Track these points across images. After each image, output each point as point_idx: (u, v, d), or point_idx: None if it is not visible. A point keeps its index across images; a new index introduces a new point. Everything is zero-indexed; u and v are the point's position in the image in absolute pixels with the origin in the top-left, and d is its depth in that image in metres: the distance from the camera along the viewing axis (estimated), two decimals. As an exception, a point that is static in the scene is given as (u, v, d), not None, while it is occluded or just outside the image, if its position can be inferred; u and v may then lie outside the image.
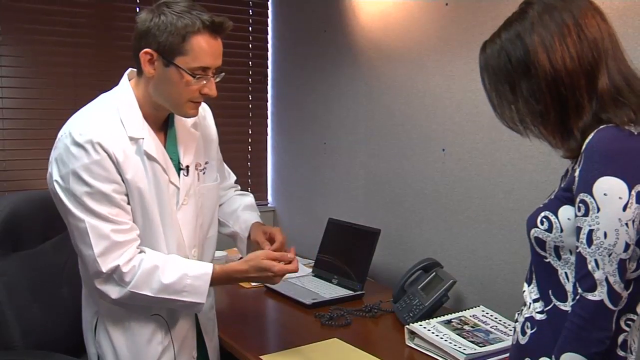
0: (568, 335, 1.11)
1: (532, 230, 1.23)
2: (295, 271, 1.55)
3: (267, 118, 3.37)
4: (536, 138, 1.25)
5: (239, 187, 1.95)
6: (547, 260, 1.21)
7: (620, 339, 1.15)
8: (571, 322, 1.11)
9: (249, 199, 1.88)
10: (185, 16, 1.40)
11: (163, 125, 1.59)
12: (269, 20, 3.31)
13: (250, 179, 3.31)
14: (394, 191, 2.55)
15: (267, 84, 3.35)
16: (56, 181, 1.44)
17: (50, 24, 2.74)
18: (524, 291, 1.30)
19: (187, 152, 1.60)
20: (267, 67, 3.34)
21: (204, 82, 1.45)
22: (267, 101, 3.36)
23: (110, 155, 1.42)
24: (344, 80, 2.80)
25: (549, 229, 1.19)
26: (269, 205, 3.39)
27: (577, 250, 1.12)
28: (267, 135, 3.38)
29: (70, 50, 2.80)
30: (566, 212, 1.16)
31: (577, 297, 1.11)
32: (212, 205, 1.70)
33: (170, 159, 1.55)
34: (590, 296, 1.08)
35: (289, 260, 1.54)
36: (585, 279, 1.09)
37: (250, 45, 3.27)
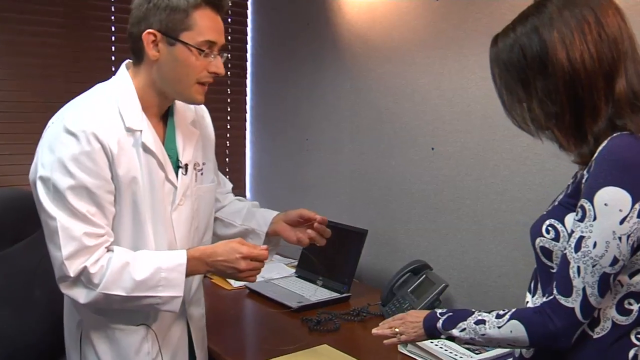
0: (533, 318, 1.11)
1: (538, 240, 1.18)
2: (265, 258, 1.45)
3: (246, 113, 3.28)
4: (548, 140, 1.20)
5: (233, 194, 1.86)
6: (554, 271, 1.16)
7: (631, 353, 1.12)
8: (541, 314, 1.09)
9: (253, 202, 1.80)
10: None
11: (162, 120, 1.51)
12: (249, 12, 3.21)
13: (229, 175, 3.21)
14: (380, 190, 2.49)
15: (246, 78, 3.25)
16: (39, 170, 1.34)
17: (16, 11, 2.57)
18: (527, 302, 1.26)
19: (186, 149, 1.52)
20: (247, 61, 3.24)
21: (211, 58, 1.40)
22: (246, 96, 3.27)
23: (104, 146, 1.33)
24: (328, 76, 2.73)
25: (556, 238, 1.14)
26: (247, 202, 3.30)
27: (564, 252, 1.09)
28: (246, 130, 3.29)
29: (38, 40, 2.63)
30: (573, 219, 1.12)
31: (551, 297, 1.09)
32: (208, 207, 1.62)
33: (169, 156, 1.47)
34: (563, 301, 1.07)
35: (261, 250, 1.45)
36: (563, 282, 1.07)
37: (230, 38, 3.16)
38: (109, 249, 1.37)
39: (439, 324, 1.26)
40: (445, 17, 2.16)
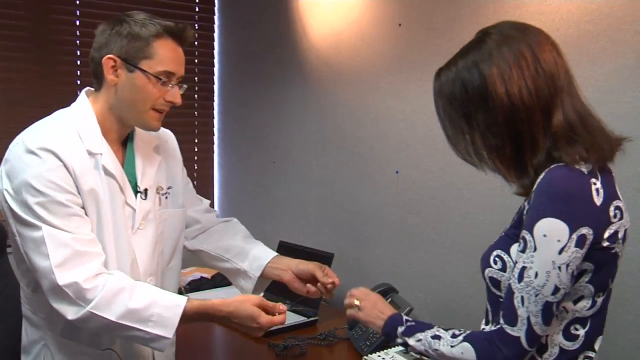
0: (483, 345, 1.13)
1: (487, 270, 1.21)
2: (282, 323, 1.42)
3: (214, 135, 3.28)
4: (491, 171, 1.23)
5: (217, 212, 1.83)
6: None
7: None
8: (490, 342, 1.12)
9: (240, 226, 1.76)
10: (147, 23, 1.39)
11: (122, 146, 1.51)
12: (215, 35, 3.23)
13: (196, 197, 3.20)
14: (346, 213, 2.50)
15: (213, 100, 3.26)
16: (7, 194, 1.32)
17: (-20, 36, 2.55)
18: (483, 329, 1.28)
19: (145, 174, 1.52)
20: (214, 83, 3.25)
21: (169, 88, 1.42)
22: (213, 118, 3.27)
23: (66, 165, 1.33)
24: (293, 99, 2.75)
25: (503, 268, 1.17)
26: (215, 225, 3.28)
27: (508, 282, 1.12)
28: (213, 153, 3.29)
29: (1, 64, 2.61)
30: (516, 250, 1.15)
31: (498, 326, 1.12)
32: (174, 232, 1.60)
33: (129, 180, 1.47)
34: (509, 330, 1.10)
35: (279, 312, 1.40)
36: (508, 312, 1.11)
37: (196, 61, 3.17)
38: (108, 272, 1.34)
39: (400, 329, 1.28)
40: (408, 43, 2.20)
